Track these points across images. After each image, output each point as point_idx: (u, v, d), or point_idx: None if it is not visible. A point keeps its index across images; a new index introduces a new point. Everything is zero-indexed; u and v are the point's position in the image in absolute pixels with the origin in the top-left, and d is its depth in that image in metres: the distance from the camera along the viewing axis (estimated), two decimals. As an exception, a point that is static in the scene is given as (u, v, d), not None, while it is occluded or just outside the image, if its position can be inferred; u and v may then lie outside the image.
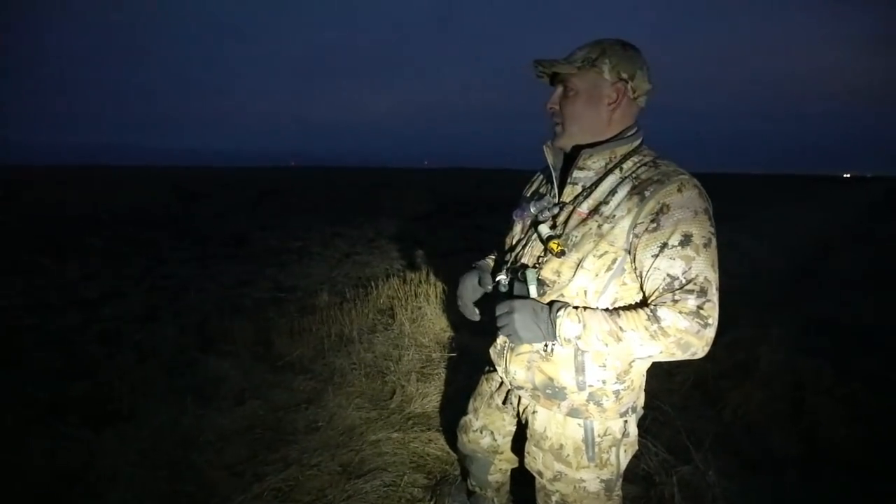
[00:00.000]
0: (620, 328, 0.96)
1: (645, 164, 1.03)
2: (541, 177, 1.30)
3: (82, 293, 4.41)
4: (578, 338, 1.00)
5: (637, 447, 1.22)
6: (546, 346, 1.10)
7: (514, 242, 1.22)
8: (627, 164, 1.05)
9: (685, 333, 0.93)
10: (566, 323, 1.00)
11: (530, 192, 1.30)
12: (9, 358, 2.87)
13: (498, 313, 1.07)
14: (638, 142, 1.08)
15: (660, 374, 2.77)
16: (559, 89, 1.10)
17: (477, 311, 1.30)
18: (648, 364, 1.14)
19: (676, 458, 2.01)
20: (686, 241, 0.94)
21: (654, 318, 0.94)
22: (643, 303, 1.02)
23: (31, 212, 10.00)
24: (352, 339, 3.17)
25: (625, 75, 1.04)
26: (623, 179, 1.02)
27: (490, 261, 1.40)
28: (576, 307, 1.02)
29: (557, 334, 1.01)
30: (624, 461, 1.18)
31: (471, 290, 1.31)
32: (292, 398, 2.49)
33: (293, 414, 2.35)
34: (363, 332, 3.31)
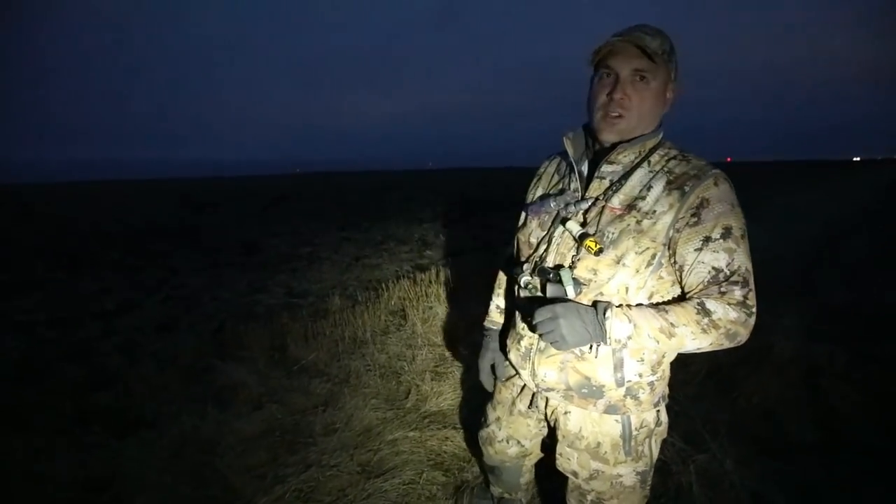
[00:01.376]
0: (672, 324, 0.94)
1: (674, 158, 1.02)
2: (551, 171, 1.23)
3: (99, 306, 4.49)
4: (629, 338, 0.96)
5: (666, 434, 1.21)
6: (591, 347, 1.05)
7: (535, 241, 1.15)
8: (654, 158, 1.03)
9: (734, 324, 0.93)
10: (616, 324, 0.96)
11: (543, 186, 1.22)
12: (32, 370, 2.94)
13: (539, 319, 0.98)
14: (661, 134, 1.07)
15: (673, 365, 2.74)
16: (627, 75, 1.00)
17: (493, 379, 1.41)
18: (675, 354, 1.13)
19: (693, 447, 2.01)
20: (727, 233, 0.95)
21: (705, 312, 0.93)
22: (681, 295, 1.02)
23: (45, 228, 10.16)
24: (365, 340, 3.21)
25: (679, 75, 1.04)
26: (655, 174, 1.01)
27: (494, 326, 1.43)
28: (619, 305, 0.99)
29: (608, 336, 0.96)
30: (656, 450, 1.18)
31: (487, 370, 1.40)
32: (309, 401, 2.53)
33: (311, 416, 2.39)
34: (376, 333, 3.34)
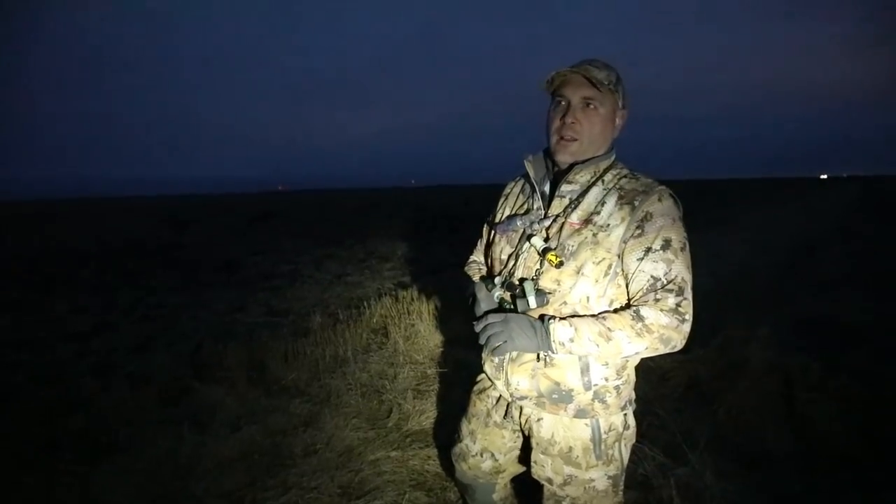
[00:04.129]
0: (609, 329, 1.03)
1: (625, 177, 1.13)
2: (516, 191, 1.33)
3: (73, 327, 4.37)
4: (571, 340, 1.04)
5: (635, 439, 1.25)
6: (538, 356, 1.13)
7: (505, 257, 1.23)
8: (608, 177, 1.13)
9: (666, 329, 1.01)
10: (559, 328, 1.05)
11: (510, 206, 1.32)
12: (0, 395, 2.82)
13: (490, 321, 1.09)
14: (614, 156, 1.18)
15: (653, 379, 2.80)
16: (577, 102, 1.11)
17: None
18: (638, 359, 1.19)
19: (673, 460, 2.02)
20: (667, 245, 1.03)
21: (638, 317, 1.02)
22: (628, 302, 1.09)
23: (19, 248, 9.89)
24: (346, 359, 3.18)
25: (626, 103, 1.16)
26: (608, 191, 1.11)
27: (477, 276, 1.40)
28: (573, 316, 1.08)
29: (552, 339, 1.05)
30: (626, 455, 1.22)
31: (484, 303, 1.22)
32: (289, 422, 2.48)
33: (290, 438, 2.34)
34: (357, 352, 3.31)
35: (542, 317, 1.09)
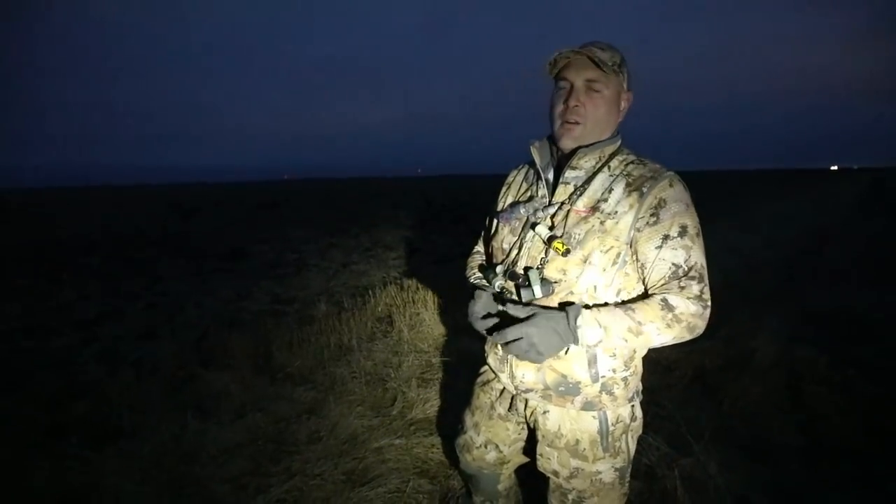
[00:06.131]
0: (640, 322, 0.99)
1: (632, 163, 1.09)
2: (519, 179, 1.30)
3: (79, 314, 4.40)
4: (600, 342, 1.01)
5: (641, 430, 1.24)
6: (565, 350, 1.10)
7: (507, 246, 1.20)
8: (614, 163, 1.10)
9: (693, 317, 1.00)
10: (588, 332, 1.00)
11: (513, 194, 1.28)
12: (7, 381, 2.85)
13: (510, 339, 0.99)
14: (620, 142, 1.14)
15: (659, 370, 2.79)
16: (581, 85, 1.08)
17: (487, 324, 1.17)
18: (647, 350, 1.17)
19: (677, 451, 2.02)
20: (683, 231, 1.02)
21: (668, 307, 0.99)
22: (645, 291, 1.07)
23: (25, 235, 9.96)
24: (351, 347, 3.18)
25: (631, 86, 1.13)
26: (615, 177, 1.07)
27: (481, 280, 1.29)
28: (587, 306, 1.03)
29: (580, 344, 1.01)
30: (633, 446, 1.21)
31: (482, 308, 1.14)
32: (293, 409, 2.49)
33: (295, 425, 2.35)
34: (362, 340, 3.32)
35: (567, 312, 1.00)
